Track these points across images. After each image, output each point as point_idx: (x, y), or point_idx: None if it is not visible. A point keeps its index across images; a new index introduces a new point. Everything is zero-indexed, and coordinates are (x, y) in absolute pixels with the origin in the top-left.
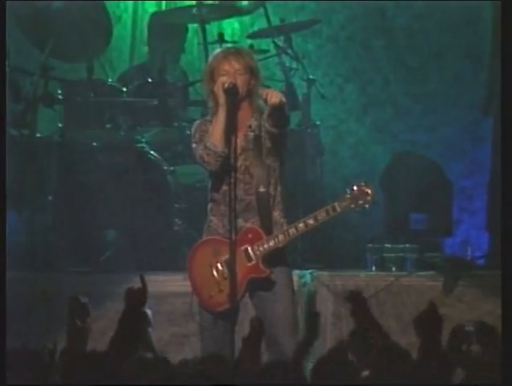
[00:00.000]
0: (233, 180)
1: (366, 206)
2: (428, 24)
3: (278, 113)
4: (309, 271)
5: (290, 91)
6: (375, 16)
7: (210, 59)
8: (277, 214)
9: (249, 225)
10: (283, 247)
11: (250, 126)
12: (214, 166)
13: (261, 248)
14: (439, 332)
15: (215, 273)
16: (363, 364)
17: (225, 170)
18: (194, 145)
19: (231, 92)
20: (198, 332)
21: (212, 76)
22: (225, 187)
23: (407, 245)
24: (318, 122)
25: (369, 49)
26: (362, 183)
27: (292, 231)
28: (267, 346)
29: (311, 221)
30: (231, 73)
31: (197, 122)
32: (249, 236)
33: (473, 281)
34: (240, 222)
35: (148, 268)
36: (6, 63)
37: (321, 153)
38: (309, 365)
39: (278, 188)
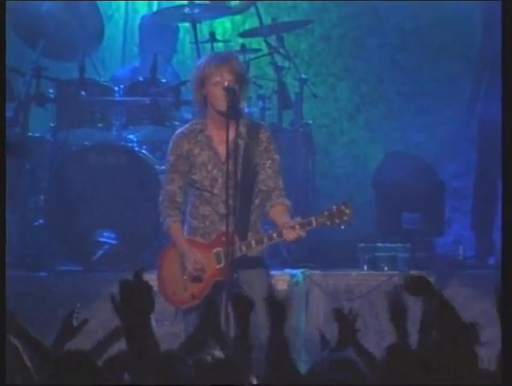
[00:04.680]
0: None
1: (342, 226)
2: (422, 23)
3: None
4: (301, 270)
5: (282, 90)
6: (368, 15)
7: (201, 66)
8: (257, 220)
9: (224, 229)
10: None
11: (240, 133)
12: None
13: (231, 253)
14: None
15: (184, 272)
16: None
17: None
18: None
19: (231, 91)
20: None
21: (202, 83)
22: (208, 192)
23: (399, 245)
24: (310, 121)
25: (361, 48)
26: (341, 204)
27: (266, 239)
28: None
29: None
30: (223, 84)
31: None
32: (223, 239)
33: (465, 280)
34: (223, 225)
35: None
36: (6, 63)
37: (313, 153)
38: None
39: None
